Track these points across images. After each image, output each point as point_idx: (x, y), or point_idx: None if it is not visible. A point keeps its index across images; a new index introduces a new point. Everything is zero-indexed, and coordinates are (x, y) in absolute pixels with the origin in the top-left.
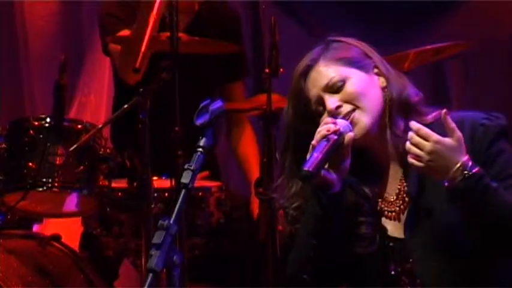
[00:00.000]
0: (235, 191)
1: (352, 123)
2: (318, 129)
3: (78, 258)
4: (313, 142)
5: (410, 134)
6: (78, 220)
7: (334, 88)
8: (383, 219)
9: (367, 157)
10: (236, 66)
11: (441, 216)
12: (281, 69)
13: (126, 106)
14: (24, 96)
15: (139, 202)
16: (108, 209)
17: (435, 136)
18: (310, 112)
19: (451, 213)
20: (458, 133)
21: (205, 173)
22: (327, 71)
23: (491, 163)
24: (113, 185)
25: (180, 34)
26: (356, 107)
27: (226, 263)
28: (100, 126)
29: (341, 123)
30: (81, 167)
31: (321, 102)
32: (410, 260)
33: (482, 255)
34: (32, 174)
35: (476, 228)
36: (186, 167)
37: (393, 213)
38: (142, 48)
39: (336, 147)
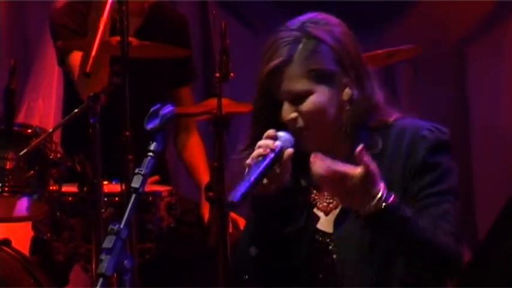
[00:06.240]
0: (185, 195)
1: (301, 140)
2: (258, 144)
3: (28, 263)
4: (249, 161)
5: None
6: (28, 225)
7: (295, 100)
8: (314, 209)
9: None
10: (183, 71)
11: None
12: (231, 74)
13: (76, 110)
14: None
15: (90, 206)
16: (58, 214)
17: (340, 172)
18: (277, 98)
19: None
20: (370, 166)
21: (156, 178)
22: (293, 83)
23: (422, 175)
24: (64, 189)
25: (131, 38)
26: (308, 127)
27: (177, 268)
28: (50, 130)
29: (282, 137)
30: (32, 172)
31: (283, 99)
32: (334, 255)
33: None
34: None
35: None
36: (136, 171)
37: (323, 205)
38: (93, 53)
39: (273, 163)
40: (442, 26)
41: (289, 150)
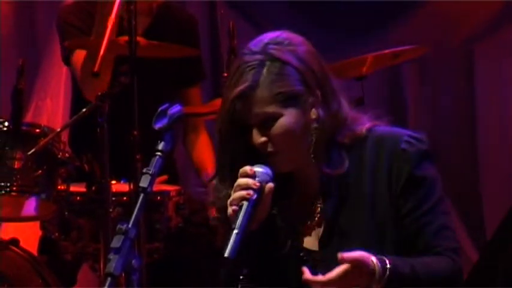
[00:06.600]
0: (194, 195)
1: (273, 163)
2: (238, 184)
3: (36, 262)
4: (234, 207)
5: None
6: (36, 224)
7: (264, 124)
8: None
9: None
10: (192, 71)
11: (355, 237)
12: None
13: (84, 110)
14: None
15: (98, 206)
16: (66, 213)
17: (334, 279)
18: (244, 123)
19: (365, 235)
20: (355, 256)
21: (164, 177)
22: (261, 107)
23: (409, 193)
24: (72, 189)
25: (138, 38)
26: (278, 150)
27: (185, 268)
28: (59, 130)
29: (260, 173)
30: (40, 171)
31: (251, 124)
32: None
33: None
34: None
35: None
36: (144, 171)
37: (305, 225)
38: (101, 52)
39: (257, 204)
40: (449, 26)
41: (270, 185)
